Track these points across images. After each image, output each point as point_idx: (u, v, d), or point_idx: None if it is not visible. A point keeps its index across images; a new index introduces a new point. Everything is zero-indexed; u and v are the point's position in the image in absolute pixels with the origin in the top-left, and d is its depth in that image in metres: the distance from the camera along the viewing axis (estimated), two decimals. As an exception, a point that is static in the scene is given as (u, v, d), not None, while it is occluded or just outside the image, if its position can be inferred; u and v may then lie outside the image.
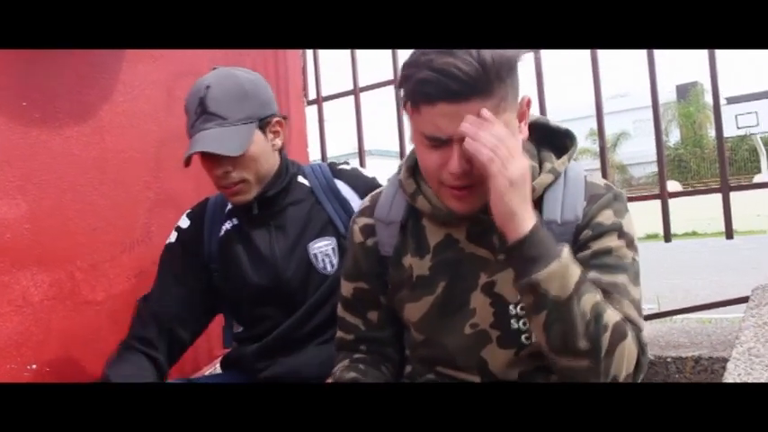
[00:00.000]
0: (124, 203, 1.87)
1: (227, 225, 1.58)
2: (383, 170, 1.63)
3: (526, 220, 1.00)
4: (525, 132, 1.11)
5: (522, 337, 1.12)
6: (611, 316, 1.00)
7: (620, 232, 1.10)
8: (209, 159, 1.45)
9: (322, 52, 2.62)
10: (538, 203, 1.11)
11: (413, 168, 1.21)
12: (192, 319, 1.57)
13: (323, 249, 1.54)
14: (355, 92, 2.48)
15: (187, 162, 1.44)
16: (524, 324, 1.11)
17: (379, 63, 2.40)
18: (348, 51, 2.46)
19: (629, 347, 1.00)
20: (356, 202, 1.55)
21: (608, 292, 1.04)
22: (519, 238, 0.99)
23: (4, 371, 1.56)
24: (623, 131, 26.21)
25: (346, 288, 1.30)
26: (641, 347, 1.03)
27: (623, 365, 1.00)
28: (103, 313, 1.79)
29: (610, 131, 24.10)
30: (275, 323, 1.53)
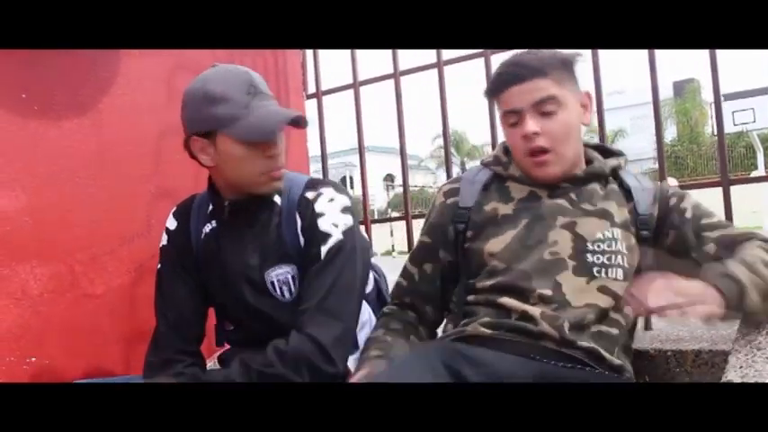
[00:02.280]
0: (123, 196, 1.87)
1: (207, 228, 1.55)
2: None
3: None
4: (588, 119, 1.44)
5: (594, 269, 1.33)
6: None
7: (693, 198, 1.45)
8: (272, 138, 1.42)
9: (321, 47, 2.61)
10: (618, 181, 1.46)
11: (506, 149, 1.50)
12: (198, 314, 1.56)
13: (281, 277, 1.47)
14: (355, 86, 2.47)
15: (299, 123, 1.46)
16: (598, 258, 1.33)
17: (379, 57, 2.39)
18: (347, 45, 2.46)
19: None
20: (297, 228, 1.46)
21: (725, 229, 1.38)
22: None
23: (3, 364, 1.56)
24: (620, 129, 26.21)
25: (419, 242, 1.56)
26: None
27: None
28: (103, 306, 1.79)
29: (606, 128, 24.03)
30: (255, 326, 1.51)
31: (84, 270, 1.75)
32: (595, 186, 1.42)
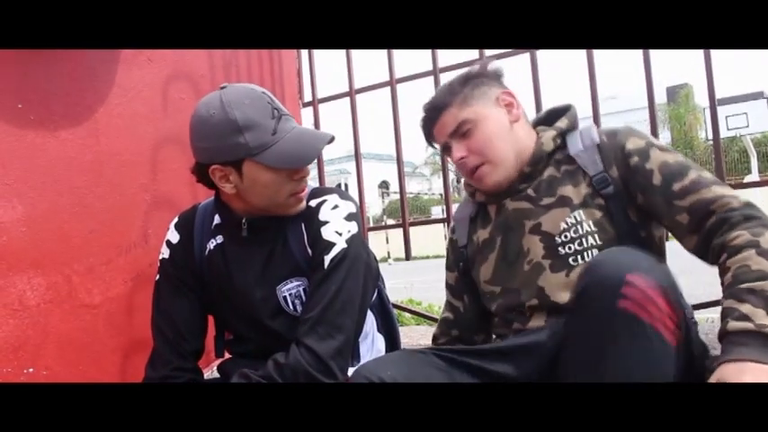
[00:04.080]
0: (120, 206, 1.86)
1: (212, 245, 1.51)
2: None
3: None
4: (517, 114, 1.45)
5: (570, 259, 1.34)
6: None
7: (658, 147, 1.33)
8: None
9: (317, 54, 2.62)
10: (562, 151, 1.42)
11: None
12: (197, 329, 1.54)
13: (293, 291, 1.45)
14: (351, 94, 2.48)
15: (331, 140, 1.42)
16: (569, 248, 1.34)
17: (375, 65, 2.40)
18: (343, 53, 2.46)
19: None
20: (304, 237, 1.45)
21: (697, 193, 1.24)
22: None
23: (1, 374, 1.55)
24: (614, 134, 26.19)
25: (449, 276, 1.64)
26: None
27: None
28: (100, 316, 1.78)
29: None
30: (263, 341, 1.49)
31: (82, 280, 1.74)
32: (551, 171, 1.42)
